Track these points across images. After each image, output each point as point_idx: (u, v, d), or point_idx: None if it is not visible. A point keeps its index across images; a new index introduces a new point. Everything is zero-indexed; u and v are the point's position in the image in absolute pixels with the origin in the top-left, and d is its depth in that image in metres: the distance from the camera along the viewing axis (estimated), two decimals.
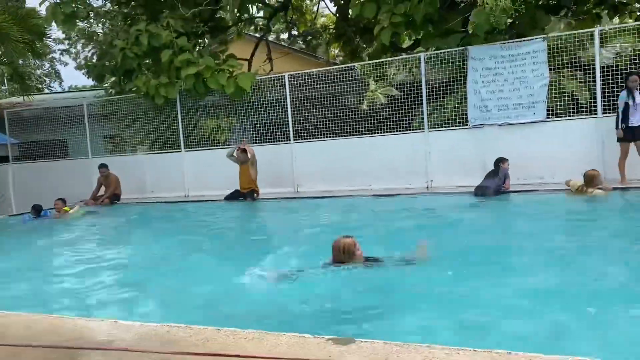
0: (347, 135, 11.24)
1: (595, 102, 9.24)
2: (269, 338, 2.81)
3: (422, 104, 10.47)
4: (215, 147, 12.34)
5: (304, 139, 11.59)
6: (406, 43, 15.01)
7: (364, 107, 11.54)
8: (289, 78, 11.66)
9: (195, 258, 6.09)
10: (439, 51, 10.43)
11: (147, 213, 10.90)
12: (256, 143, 11.86)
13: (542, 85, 9.57)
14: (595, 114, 9.25)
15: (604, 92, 9.14)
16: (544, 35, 9.69)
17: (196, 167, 12.64)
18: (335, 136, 11.35)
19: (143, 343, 2.86)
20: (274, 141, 11.89)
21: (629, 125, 8.44)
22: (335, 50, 21.91)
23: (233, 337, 2.87)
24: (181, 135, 12.68)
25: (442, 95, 10.49)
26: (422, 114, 10.48)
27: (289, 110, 11.61)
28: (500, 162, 9.03)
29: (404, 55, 11.59)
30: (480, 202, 8.48)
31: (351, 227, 6.76)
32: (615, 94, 8.90)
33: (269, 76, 12.43)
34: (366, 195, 10.13)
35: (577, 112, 9.52)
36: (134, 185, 13.00)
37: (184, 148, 12.70)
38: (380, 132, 10.89)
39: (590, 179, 7.76)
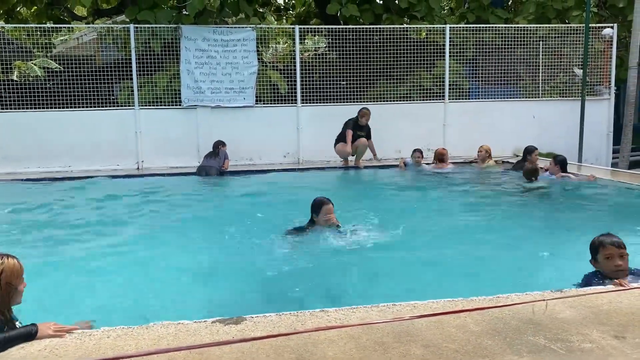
0: (34, 108, 9.53)
1: (295, 93, 10.31)
2: (140, 332, 2.26)
3: (131, 78, 9.73)
4: None
5: None
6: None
7: (15, 77, 9.88)
8: None
9: None
10: (150, 25, 9.85)
11: None
12: None
13: (251, 72, 10.14)
14: (296, 103, 10.32)
15: (302, 85, 10.27)
16: (254, 25, 10.27)
17: None
18: (18, 108, 9.47)
19: None
20: None
21: None
22: None
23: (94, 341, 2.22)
24: None
25: (151, 72, 9.95)
26: (132, 90, 9.75)
27: None
28: (220, 144, 9.23)
29: (111, 24, 10.48)
30: (208, 181, 8.53)
31: None
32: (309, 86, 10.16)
33: None
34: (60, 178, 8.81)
35: (280, 101, 10.44)
36: None
37: None
38: (78, 107, 9.62)
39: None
